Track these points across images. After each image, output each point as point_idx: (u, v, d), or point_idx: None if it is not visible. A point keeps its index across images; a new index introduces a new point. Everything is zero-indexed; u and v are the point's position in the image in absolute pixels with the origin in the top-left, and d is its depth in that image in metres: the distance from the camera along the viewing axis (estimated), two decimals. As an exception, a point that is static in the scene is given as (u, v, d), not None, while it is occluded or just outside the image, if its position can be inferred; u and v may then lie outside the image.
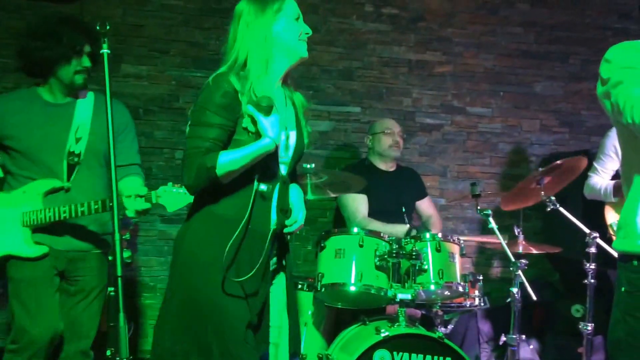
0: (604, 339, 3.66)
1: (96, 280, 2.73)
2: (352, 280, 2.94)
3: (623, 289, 1.87)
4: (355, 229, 3.10)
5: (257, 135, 2.03)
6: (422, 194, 4.01)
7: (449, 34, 4.63)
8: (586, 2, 4.78)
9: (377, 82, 4.55)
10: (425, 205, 3.99)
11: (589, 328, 3.08)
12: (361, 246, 3.00)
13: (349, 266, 2.98)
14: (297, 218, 2.17)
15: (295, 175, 2.30)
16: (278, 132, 2.04)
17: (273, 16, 2.09)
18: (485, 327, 4.13)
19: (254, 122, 2.02)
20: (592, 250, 3.11)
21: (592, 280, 3.08)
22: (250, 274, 2.04)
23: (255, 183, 2.06)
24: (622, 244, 1.89)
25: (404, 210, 3.34)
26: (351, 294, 2.99)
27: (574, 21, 4.76)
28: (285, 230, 2.15)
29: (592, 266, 3.09)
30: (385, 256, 3.00)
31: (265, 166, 2.06)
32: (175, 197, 2.47)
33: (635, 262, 1.83)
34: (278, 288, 2.23)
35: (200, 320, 2.02)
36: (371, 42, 4.53)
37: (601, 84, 1.86)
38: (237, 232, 2.01)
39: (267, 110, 2.02)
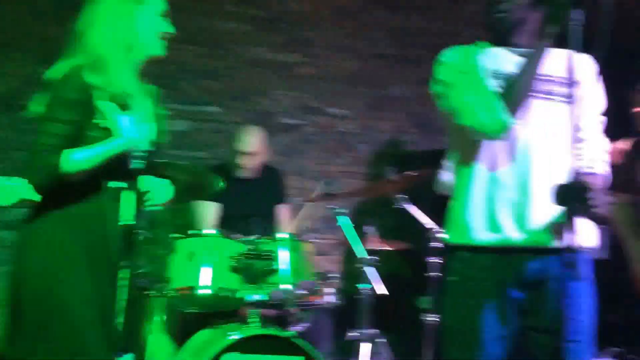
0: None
1: None
2: (204, 283, 2.92)
3: (452, 277, 1.99)
4: (210, 231, 3.08)
5: (110, 131, 1.96)
6: (281, 199, 4.03)
7: (309, 36, 4.70)
8: (438, 9, 5.03)
9: (238, 82, 4.53)
10: (282, 212, 4.00)
11: (434, 320, 3.27)
12: (214, 248, 2.99)
13: (201, 269, 2.95)
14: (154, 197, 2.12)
15: (154, 170, 2.24)
16: (133, 129, 1.97)
17: (136, 7, 2.02)
18: (340, 323, 4.24)
19: (109, 119, 1.95)
20: (436, 244, 3.29)
21: (435, 273, 3.27)
22: (106, 274, 1.98)
23: (107, 180, 1.99)
24: (451, 236, 2.01)
25: (251, 219, 3.36)
26: (203, 297, 2.96)
27: (427, 27, 5.00)
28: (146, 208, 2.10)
29: (436, 260, 3.28)
30: (239, 257, 3.01)
31: (118, 162, 1.98)
32: (4, 190, 2.32)
33: (463, 253, 1.96)
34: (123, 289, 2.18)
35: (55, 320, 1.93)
36: (232, 42, 4.52)
37: (435, 81, 1.98)
38: (94, 231, 1.97)
39: (123, 107, 1.97)
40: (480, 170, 1.93)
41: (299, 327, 3.20)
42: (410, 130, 4.97)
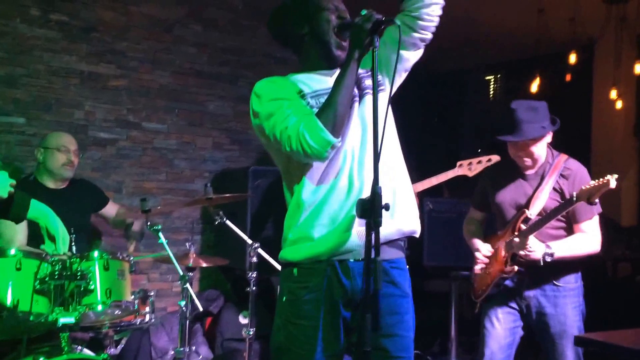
0: (262, 343, 3.97)
1: None
2: (8, 308, 2.68)
3: (284, 298, 1.99)
4: (13, 251, 2.85)
5: None
6: (103, 202, 3.85)
7: (123, 48, 4.56)
8: (253, 30, 5.16)
9: (45, 92, 4.26)
10: (110, 210, 3.86)
11: (251, 333, 3.32)
12: (18, 269, 2.75)
13: (4, 292, 2.71)
14: None
15: None
16: None
17: None
18: (160, 342, 4.15)
19: None
20: (254, 259, 3.36)
21: (254, 288, 3.33)
22: None
23: None
24: (284, 253, 2.01)
25: (72, 231, 3.17)
26: (5, 323, 2.72)
27: (243, 47, 5.11)
28: None
29: (254, 274, 3.34)
30: (47, 279, 2.81)
31: None
32: None
33: (295, 271, 1.97)
34: None
35: None
36: (38, 49, 4.24)
37: (253, 116, 1.99)
38: None
39: None
40: (306, 187, 1.97)
41: (115, 349, 3.08)
42: (229, 147, 5.03)
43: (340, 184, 1.95)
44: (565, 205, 2.69)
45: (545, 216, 2.74)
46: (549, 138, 2.87)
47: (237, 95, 5.02)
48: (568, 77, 5.88)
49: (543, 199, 2.81)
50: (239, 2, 5.12)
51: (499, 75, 7.93)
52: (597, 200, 2.69)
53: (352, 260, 1.95)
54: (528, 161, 2.86)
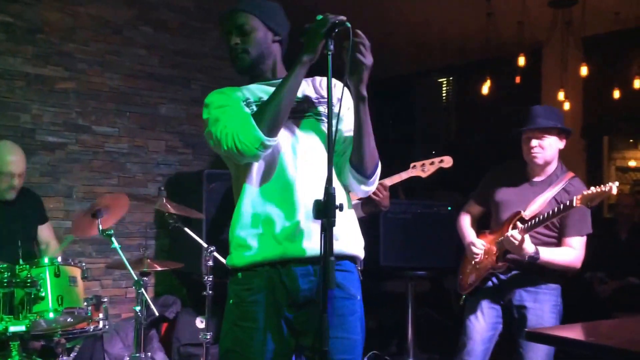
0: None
1: None
2: (-46, 318, 2.60)
3: (231, 301, 2.00)
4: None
5: None
6: (43, 219, 3.75)
7: (71, 50, 4.45)
8: (205, 33, 5.11)
9: (-10, 96, 4.14)
10: (44, 232, 3.73)
11: (208, 337, 3.29)
12: (-36, 279, 2.68)
13: (-50, 302, 2.63)
14: None
15: None
16: None
17: None
18: (114, 349, 4.07)
19: None
20: (210, 263, 3.33)
21: (210, 292, 3.30)
22: None
23: None
24: (229, 258, 2.02)
25: (19, 243, 3.09)
26: (-48, 333, 2.64)
27: (195, 49, 5.06)
28: None
29: (210, 278, 3.31)
30: (-6, 287, 2.74)
31: None
32: None
33: (240, 274, 1.97)
34: None
35: None
36: (-19, 50, 4.11)
37: (204, 125, 2.03)
38: None
39: None
40: (248, 189, 1.99)
41: (68, 357, 3.02)
42: (182, 151, 4.97)
43: (279, 189, 1.98)
44: (564, 208, 2.78)
45: (543, 217, 2.85)
46: (561, 144, 2.98)
47: (189, 98, 4.97)
48: (517, 80, 6.02)
49: (541, 204, 2.93)
50: (190, 3, 5.07)
51: (450, 78, 8.07)
52: (589, 223, 2.89)
53: (294, 264, 1.96)
54: (540, 157, 2.95)
